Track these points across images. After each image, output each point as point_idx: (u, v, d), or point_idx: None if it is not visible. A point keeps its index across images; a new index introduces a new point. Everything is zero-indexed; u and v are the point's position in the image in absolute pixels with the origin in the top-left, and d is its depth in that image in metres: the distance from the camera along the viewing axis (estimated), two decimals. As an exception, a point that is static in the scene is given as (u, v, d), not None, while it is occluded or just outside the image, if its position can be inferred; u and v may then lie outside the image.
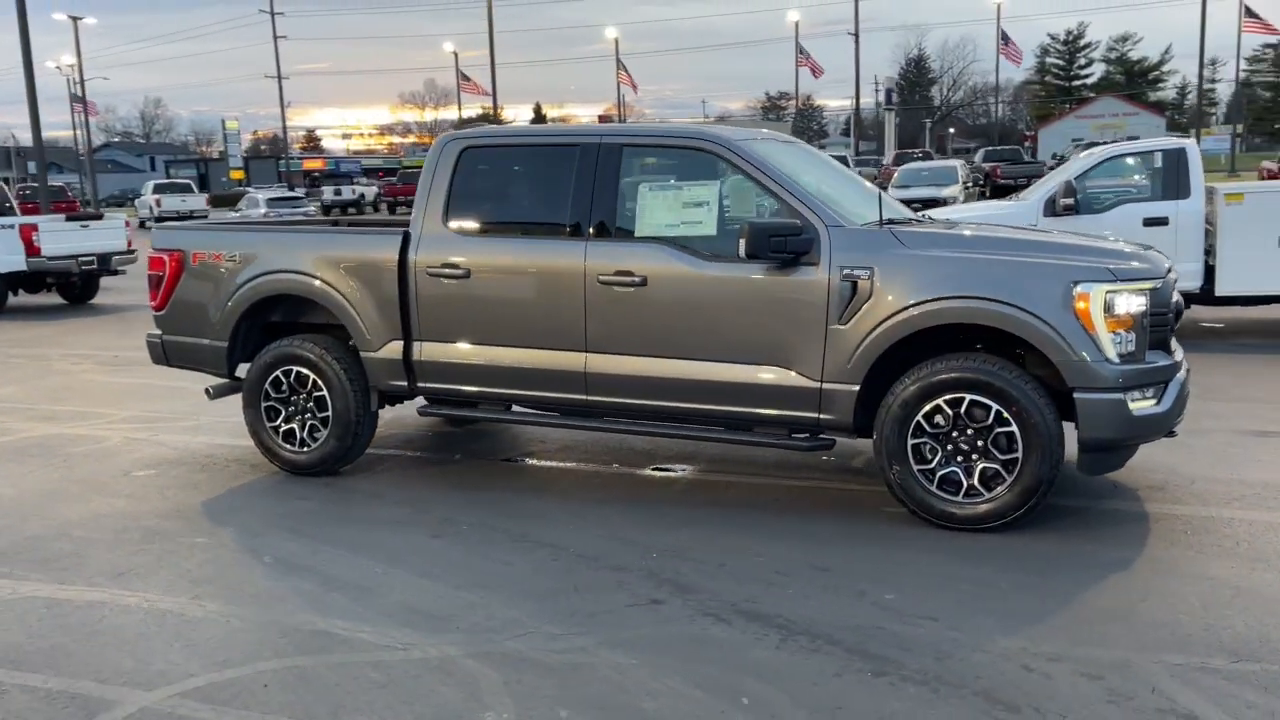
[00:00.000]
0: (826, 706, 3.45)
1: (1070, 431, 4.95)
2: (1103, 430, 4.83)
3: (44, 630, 4.22)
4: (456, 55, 61.14)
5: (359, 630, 4.13)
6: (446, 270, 5.85)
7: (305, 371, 6.24)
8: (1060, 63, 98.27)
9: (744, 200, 5.68)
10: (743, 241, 5.09)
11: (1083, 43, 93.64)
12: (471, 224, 5.94)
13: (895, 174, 26.95)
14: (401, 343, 6.04)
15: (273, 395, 6.36)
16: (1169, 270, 5.27)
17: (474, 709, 3.49)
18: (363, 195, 50.36)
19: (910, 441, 5.05)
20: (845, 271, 5.08)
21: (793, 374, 5.22)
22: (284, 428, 6.36)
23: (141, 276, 7.72)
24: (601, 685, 3.64)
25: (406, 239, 5.99)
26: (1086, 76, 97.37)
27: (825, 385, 5.17)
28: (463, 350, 5.91)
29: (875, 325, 5.03)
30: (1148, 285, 4.92)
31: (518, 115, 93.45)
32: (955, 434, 5.00)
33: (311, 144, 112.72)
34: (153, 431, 7.61)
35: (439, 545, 5.13)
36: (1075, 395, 4.80)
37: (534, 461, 6.69)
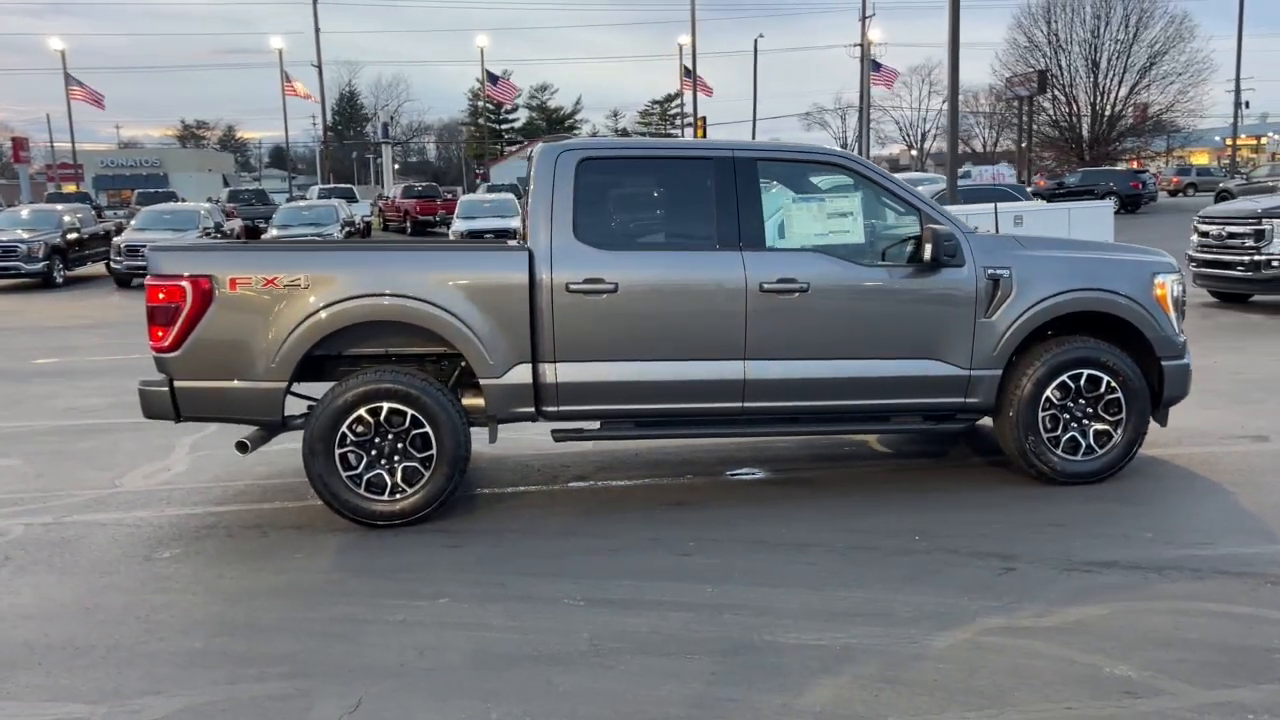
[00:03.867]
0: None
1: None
2: (1179, 389, 6.16)
3: None
4: None
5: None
6: (591, 286, 5.59)
7: (400, 407, 5.51)
8: (490, 106, 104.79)
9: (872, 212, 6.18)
10: (928, 247, 5.66)
11: (484, 93, 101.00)
12: (607, 238, 5.73)
13: (459, 205, 27.55)
14: (529, 366, 5.63)
15: (351, 439, 5.51)
16: None
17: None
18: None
19: (1040, 415, 5.97)
20: (989, 271, 5.87)
21: (944, 364, 5.88)
22: (367, 475, 5.54)
23: None
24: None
25: (531, 256, 5.61)
26: (514, 121, 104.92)
27: (974, 372, 5.90)
28: (608, 369, 5.67)
29: (1018, 316, 5.88)
30: (1180, 276, 6.36)
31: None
32: (1072, 404, 6.01)
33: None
34: (88, 510, 6.02)
35: (762, 560, 5.00)
36: (1163, 364, 6.07)
37: (615, 482, 6.48)
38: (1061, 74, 44.89)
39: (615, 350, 5.69)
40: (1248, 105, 58.33)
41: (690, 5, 45.16)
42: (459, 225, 25.48)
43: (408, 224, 37.87)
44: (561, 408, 5.71)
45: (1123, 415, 6.02)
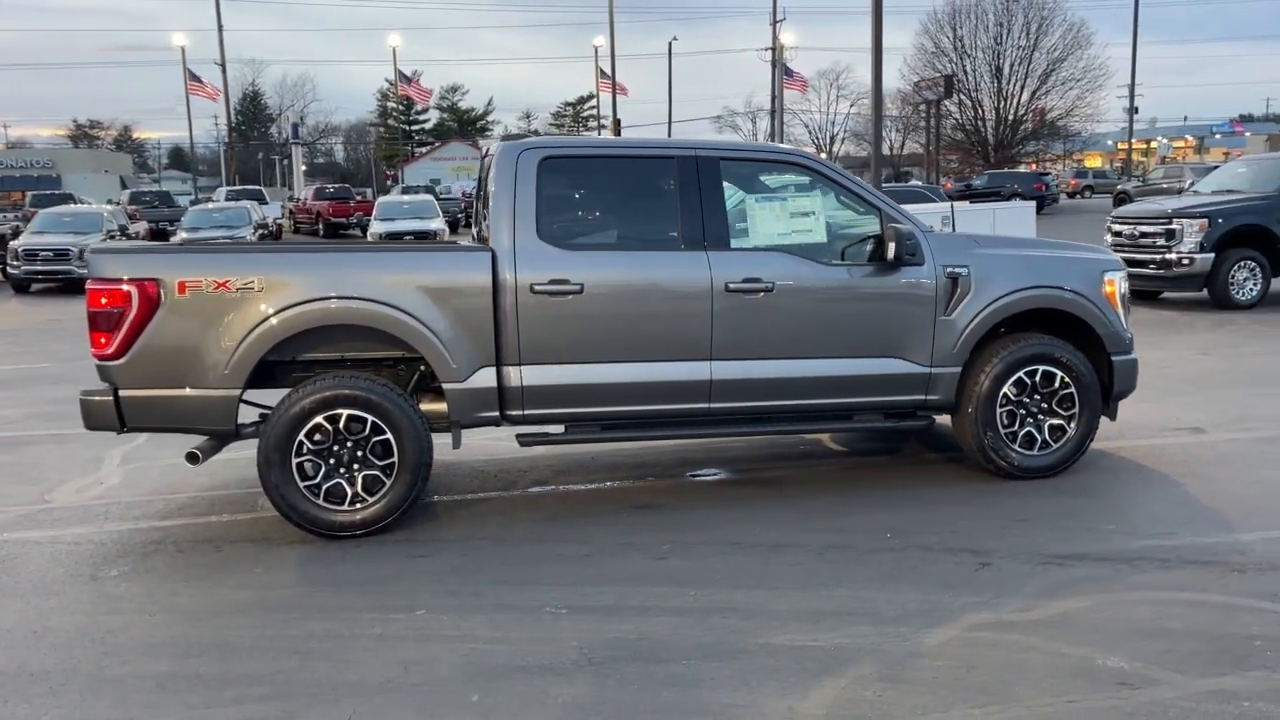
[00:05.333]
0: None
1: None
2: (1128, 384, 6.31)
3: None
4: None
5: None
6: (556, 287, 5.48)
7: (360, 414, 5.33)
8: (400, 107, 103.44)
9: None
10: (891, 246, 5.69)
11: (399, 93, 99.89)
12: (571, 238, 5.64)
13: (376, 207, 27.02)
14: (494, 369, 5.50)
15: (308, 448, 5.32)
16: None
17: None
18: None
19: (998, 411, 6.06)
20: (948, 269, 5.93)
21: (906, 362, 5.92)
22: (325, 485, 5.34)
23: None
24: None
25: (494, 256, 5.48)
26: (425, 122, 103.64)
27: (934, 370, 5.95)
28: (574, 371, 5.58)
29: (977, 314, 5.95)
30: (1126, 274, 6.51)
31: None
32: (1028, 400, 6.11)
33: None
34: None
35: (740, 562, 4.94)
36: (1113, 359, 6.20)
37: (576, 486, 6.37)
38: (967, 79, 46.08)
39: (581, 352, 5.59)
40: (1137, 110, 60.67)
41: (609, 8, 45.11)
42: (377, 227, 24.98)
43: (320, 226, 37.11)
44: (527, 411, 5.60)
45: (1076, 410, 6.14)
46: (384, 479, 5.39)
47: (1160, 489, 6.01)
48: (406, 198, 29.43)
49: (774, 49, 56.74)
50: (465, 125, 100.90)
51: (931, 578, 4.66)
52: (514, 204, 5.54)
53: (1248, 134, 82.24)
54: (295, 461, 5.30)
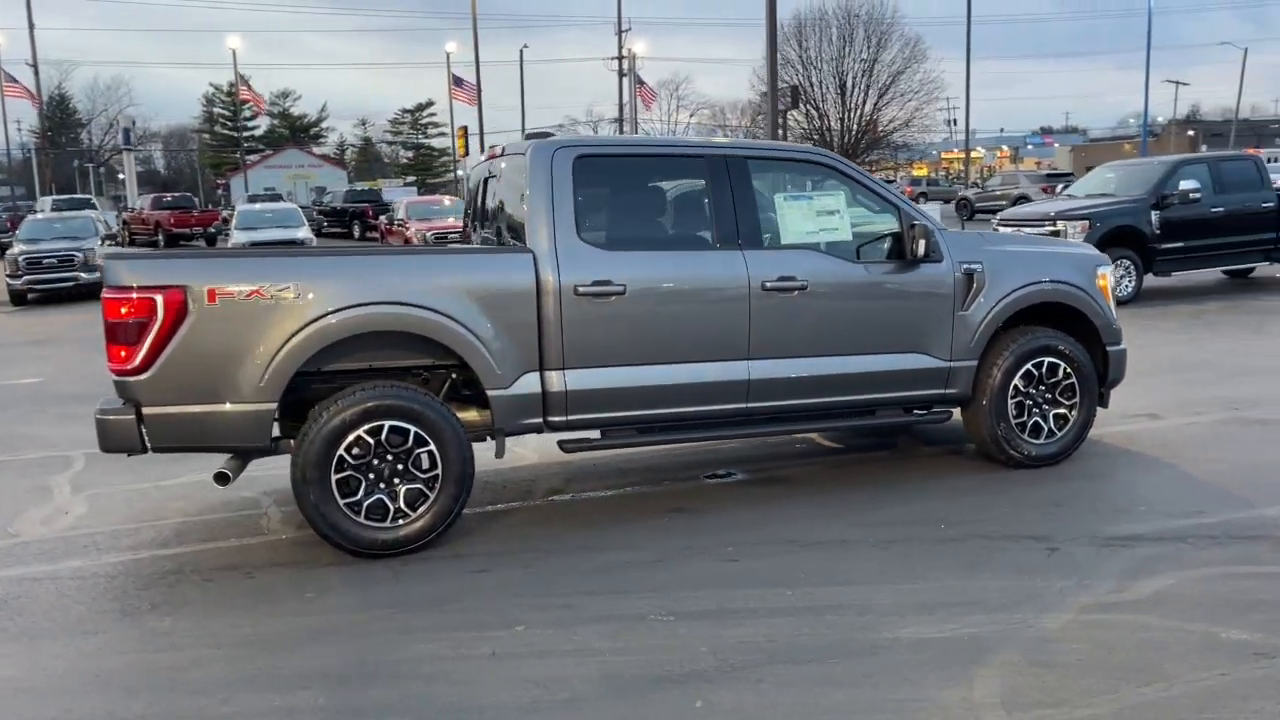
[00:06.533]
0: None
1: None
2: (1120, 373, 6.61)
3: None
4: None
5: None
6: (600, 289, 5.34)
7: (402, 425, 5.06)
8: (227, 113, 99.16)
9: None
10: (922, 243, 5.80)
11: (239, 97, 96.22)
12: (609, 238, 5.51)
13: (236, 215, 25.75)
14: (537, 374, 5.32)
15: (349, 463, 5.01)
16: None
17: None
18: None
19: (1009, 402, 6.25)
20: (964, 266, 6.08)
21: (929, 357, 6.05)
22: (367, 501, 5.05)
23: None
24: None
25: (534, 258, 5.30)
26: (255, 129, 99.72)
27: (953, 364, 6.10)
28: (617, 374, 5.44)
29: (991, 308, 6.13)
30: (1113, 268, 6.83)
31: None
32: (1034, 391, 6.33)
33: None
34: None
35: (813, 560, 4.89)
36: (1108, 349, 6.49)
37: (593, 494, 6.22)
38: (813, 90, 47.59)
39: (624, 355, 5.47)
40: (956, 123, 63.97)
41: (473, 14, 44.49)
42: (240, 237, 23.83)
43: (159, 237, 35.12)
44: (570, 417, 5.43)
45: (1077, 399, 6.39)
46: (427, 492, 5.13)
47: (1160, 471, 6.33)
48: (270, 205, 28.17)
49: (620, 58, 57.22)
50: (298, 132, 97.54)
51: (1009, 565, 4.76)
52: (552, 204, 5.36)
53: (1056, 145, 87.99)
54: (335, 478, 4.98)
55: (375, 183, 71.73)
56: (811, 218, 5.91)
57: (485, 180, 6.34)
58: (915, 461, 6.73)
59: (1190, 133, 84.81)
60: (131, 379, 4.77)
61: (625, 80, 54.78)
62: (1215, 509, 5.46)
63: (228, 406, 4.86)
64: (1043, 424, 6.35)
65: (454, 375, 5.47)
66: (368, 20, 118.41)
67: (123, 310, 4.72)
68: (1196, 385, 8.75)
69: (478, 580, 4.81)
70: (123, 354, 4.75)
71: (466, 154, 49.57)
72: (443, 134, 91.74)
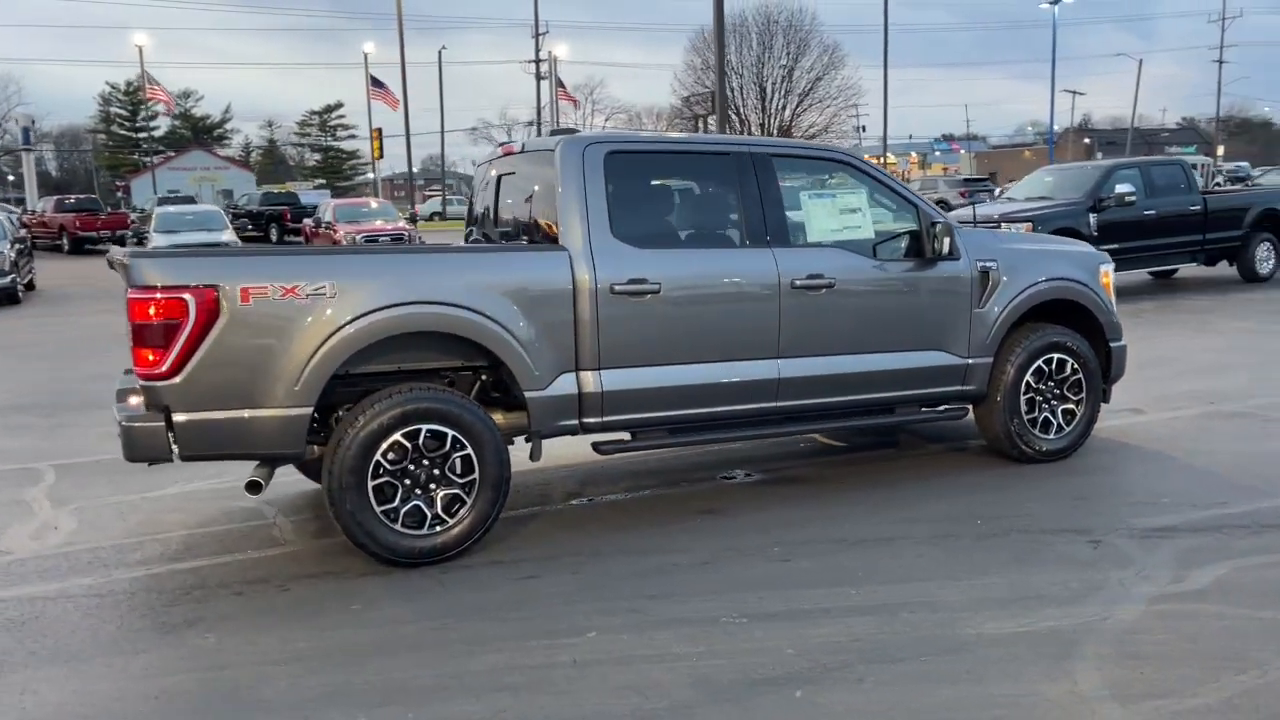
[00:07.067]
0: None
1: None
2: (1121, 368, 6.75)
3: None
4: None
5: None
6: (636, 287, 5.25)
7: (440, 429, 4.89)
8: (125, 113, 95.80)
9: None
10: (946, 240, 5.84)
11: (145, 95, 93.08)
12: (642, 236, 5.40)
13: (155, 218, 24.81)
14: (573, 375, 5.19)
15: (385, 469, 4.83)
16: None
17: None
18: None
19: (1022, 398, 6.33)
20: (980, 263, 6.14)
21: (948, 354, 6.09)
22: (404, 508, 4.87)
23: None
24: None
25: (569, 256, 5.18)
26: (154, 129, 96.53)
27: (971, 360, 6.15)
28: (651, 374, 5.35)
29: (1006, 305, 6.20)
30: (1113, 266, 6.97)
31: None
32: (1044, 387, 6.42)
33: None
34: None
35: (865, 557, 4.86)
36: (1110, 345, 6.62)
37: (611, 497, 6.11)
38: (734, 95, 48.05)
39: (658, 354, 5.38)
40: (865, 129, 65.30)
41: (398, 14, 43.76)
42: (159, 240, 22.97)
43: (64, 241, 33.76)
44: (606, 418, 5.32)
45: (1084, 394, 6.51)
46: (465, 497, 4.96)
47: (1163, 464, 6.48)
48: (190, 207, 27.25)
49: (538, 61, 56.98)
50: (201, 133, 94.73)
51: (1058, 558, 4.80)
52: (585, 201, 5.25)
53: (962, 151, 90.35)
54: (372, 484, 4.79)
55: (284, 186, 70.14)
56: (835, 216, 5.91)
57: (499, 178, 6.18)
58: (924, 459, 6.77)
59: (1086, 140, 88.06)
60: (160, 383, 4.50)
61: (544, 83, 54.62)
62: (1236, 501, 5.58)
63: (262, 411, 4.64)
64: (1053, 419, 6.44)
65: (484, 377, 5.32)
66: (274, 19, 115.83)
67: (151, 311, 4.46)
68: (1165, 381, 9.00)
69: (529, 587, 4.67)
70: (150, 357, 4.48)
71: (381, 156, 48.83)
72: (353, 136, 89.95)
